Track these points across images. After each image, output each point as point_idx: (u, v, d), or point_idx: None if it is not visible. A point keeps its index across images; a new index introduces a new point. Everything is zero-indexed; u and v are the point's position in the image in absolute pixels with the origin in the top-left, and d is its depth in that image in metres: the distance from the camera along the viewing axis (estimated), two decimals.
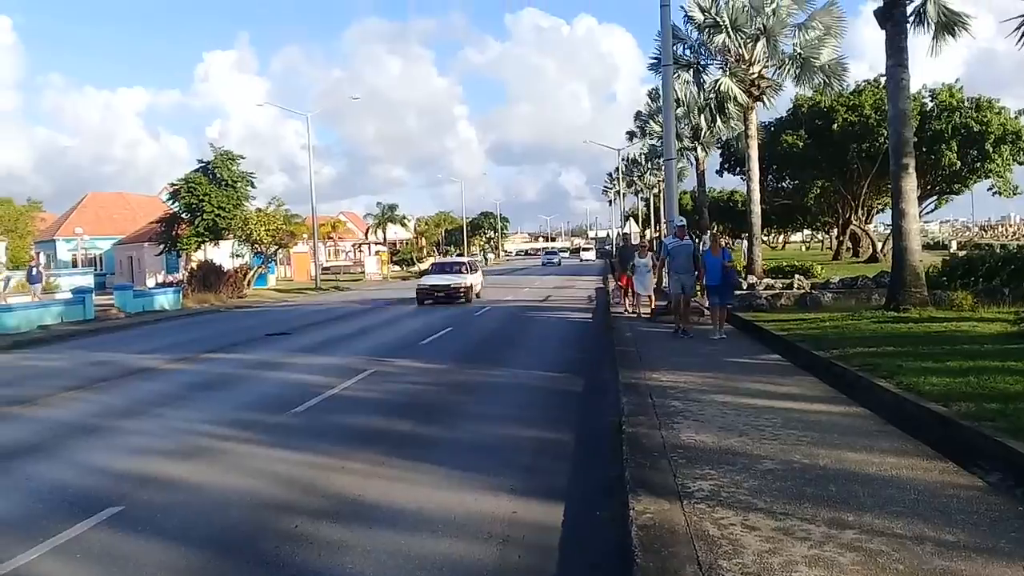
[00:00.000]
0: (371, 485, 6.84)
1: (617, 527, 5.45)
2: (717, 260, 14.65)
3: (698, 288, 16.34)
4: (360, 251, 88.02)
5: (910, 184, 16.13)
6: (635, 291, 20.03)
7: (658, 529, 5.02)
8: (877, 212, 54.47)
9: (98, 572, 5.18)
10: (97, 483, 7.23)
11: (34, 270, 33.22)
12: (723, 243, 15.80)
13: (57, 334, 22.99)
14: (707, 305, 15.67)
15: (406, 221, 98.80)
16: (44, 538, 5.73)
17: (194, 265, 40.50)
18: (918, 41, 17.27)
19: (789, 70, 24.31)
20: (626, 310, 20.82)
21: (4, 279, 30.00)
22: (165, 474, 7.40)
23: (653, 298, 19.73)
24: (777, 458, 6.54)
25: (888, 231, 46.82)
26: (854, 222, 49.99)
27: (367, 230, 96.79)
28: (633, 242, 27.35)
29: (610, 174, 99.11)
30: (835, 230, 55.85)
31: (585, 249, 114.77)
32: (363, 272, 66.37)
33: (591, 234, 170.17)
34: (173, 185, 40.84)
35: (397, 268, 74.41)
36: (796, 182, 50.95)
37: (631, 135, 66.32)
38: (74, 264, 51.95)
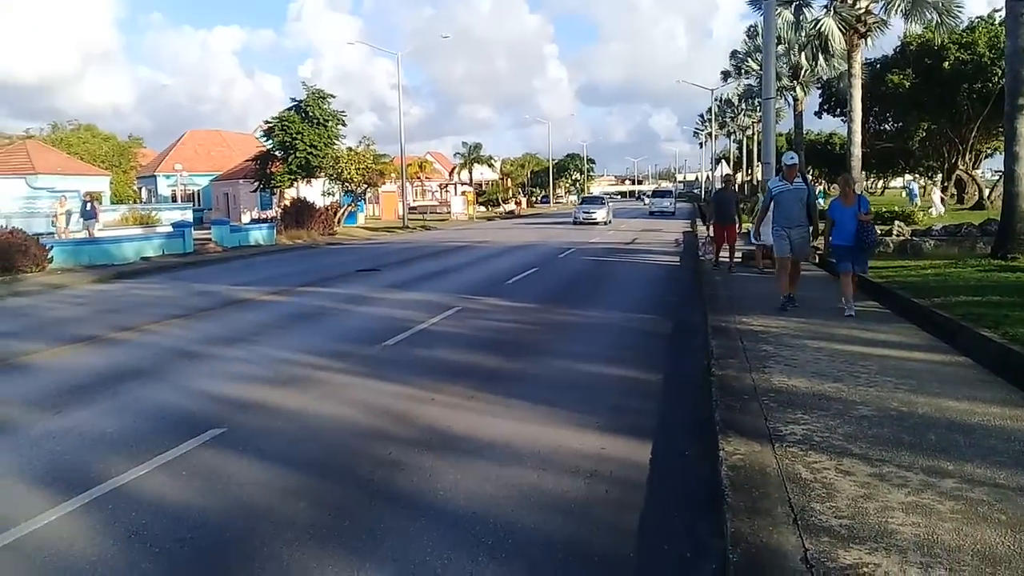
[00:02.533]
0: (460, 417, 6.98)
1: (706, 467, 5.44)
2: (850, 211, 10.67)
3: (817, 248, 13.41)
4: (446, 191, 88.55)
5: None
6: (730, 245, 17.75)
7: (748, 470, 4.98)
8: (985, 157, 51.80)
9: (203, 488, 5.45)
10: (200, 406, 7.57)
11: (88, 205, 31.33)
12: (854, 187, 11.26)
13: (158, 265, 23.98)
14: (839, 273, 11.02)
15: (492, 162, 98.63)
16: (152, 455, 6.05)
17: (287, 202, 41.44)
18: None
19: (899, 6, 23.07)
20: (722, 264, 17.83)
21: (66, 212, 30.57)
22: (264, 400, 7.70)
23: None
24: (873, 405, 6.38)
25: (996, 178, 44.52)
26: (960, 167, 47.62)
27: (452, 170, 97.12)
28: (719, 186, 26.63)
29: (702, 115, 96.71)
30: (939, 175, 53.30)
31: (660, 194, 70.56)
32: (449, 212, 66.84)
33: (679, 177, 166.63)
34: (267, 123, 41.63)
35: (483, 209, 74.63)
36: (899, 124, 48.69)
37: (726, 75, 64.28)
38: (173, 199, 53.80)
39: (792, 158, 11.45)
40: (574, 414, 6.95)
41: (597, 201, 51.66)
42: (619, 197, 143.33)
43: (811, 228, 11.50)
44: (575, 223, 45.97)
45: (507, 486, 5.32)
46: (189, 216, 40.52)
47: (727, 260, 17.83)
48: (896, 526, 4.13)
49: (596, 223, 45.22)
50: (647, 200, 70.93)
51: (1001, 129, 17.27)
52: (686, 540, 4.53)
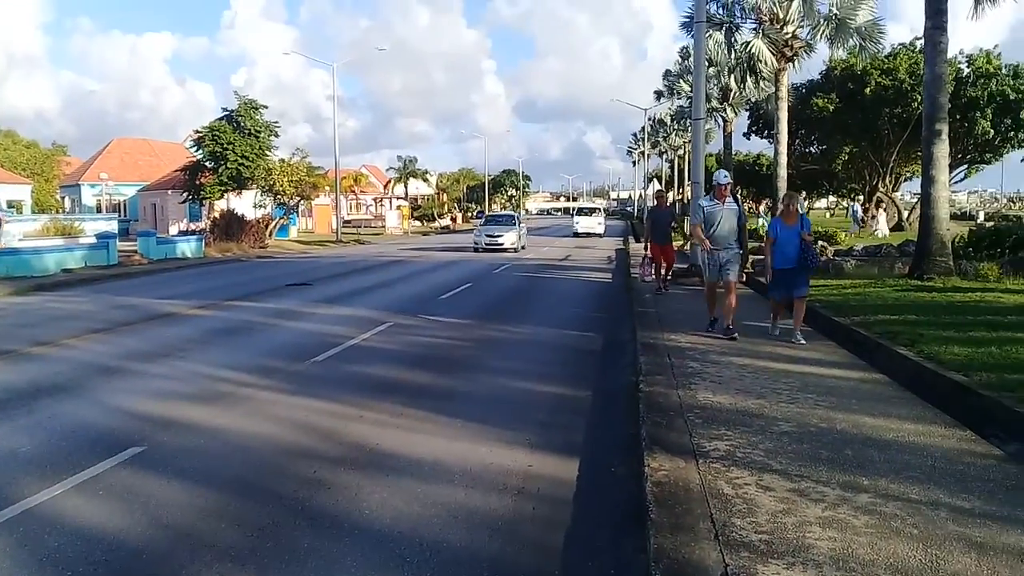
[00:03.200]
0: (388, 434, 6.92)
1: (632, 483, 5.49)
2: (792, 232, 10.10)
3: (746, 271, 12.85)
4: (381, 205, 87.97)
5: (942, 151, 15.86)
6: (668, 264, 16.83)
7: (673, 486, 5.05)
8: (905, 180, 53.69)
9: (120, 509, 5.28)
10: (120, 423, 7.35)
11: None
12: (798, 206, 10.58)
13: (80, 278, 23.25)
14: (771, 298, 10.69)
15: (427, 176, 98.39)
16: (68, 475, 5.85)
17: (217, 214, 40.72)
18: (958, 3, 16.93)
19: (824, 31, 23.80)
20: (659, 288, 16.65)
21: None
22: (186, 417, 7.51)
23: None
24: (794, 421, 6.54)
25: (915, 200, 46.24)
26: (881, 189, 49.30)
27: (388, 184, 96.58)
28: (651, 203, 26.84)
29: (635, 134, 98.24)
30: (861, 197, 55.10)
31: (585, 212, 60.34)
32: (384, 226, 66.43)
33: (613, 195, 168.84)
34: (197, 133, 40.87)
35: (418, 223, 74.39)
36: (824, 147, 50.19)
37: (659, 95, 65.39)
38: (98, 209, 52.38)
39: (724, 176, 10.91)
40: (504, 431, 6.95)
41: (505, 221, 39.89)
42: (559, 213, 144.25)
43: (742, 251, 10.99)
44: (476, 250, 34.95)
45: (434, 504, 5.29)
46: (114, 227, 39.41)
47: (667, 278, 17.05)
48: (813, 540, 4.23)
49: (503, 249, 34.67)
50: (577, 221, 55.52)
51: (919, 153, 17.99)
52: (611, 557, 4.56)
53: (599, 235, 52.76)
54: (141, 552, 4.64)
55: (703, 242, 10.81)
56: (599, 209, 60.74)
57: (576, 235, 52.45)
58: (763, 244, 10.91)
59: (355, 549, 4.63)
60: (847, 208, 62.61)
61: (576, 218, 56.87)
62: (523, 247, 36.78)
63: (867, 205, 50.23)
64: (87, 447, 6.58)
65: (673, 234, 17.82)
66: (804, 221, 10.36)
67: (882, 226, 38.74)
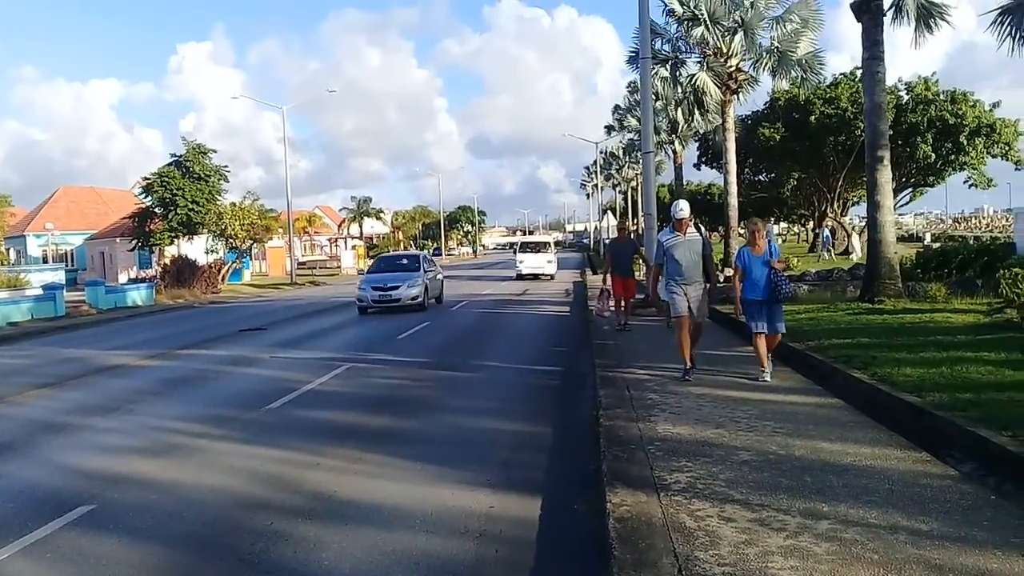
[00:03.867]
0: (346, 481, 6.79)
1: (595, 520, 5.43)
2: (760, 260, 9.43)
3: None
4: (336, 245, 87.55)
5: (885, 176, 16.25)
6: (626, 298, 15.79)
7: (635, 521, 5.01)
8: (852, 205, 54.90)
9: (70, 572, 5.10)
10: (68, 482, 7.12)
11: None
12: (764, 233, 9.95)
13: (26, 331, 22.70)
14: (751, 333, 9.59)
15: (382, 214, 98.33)
16: (14, 538, 5.64)
17: (167, 260, 40.14)
18: (899, 33, 17.42)
19: (766, 63, 24.41)
20: (621, 324, 15.59)
21: None
22: (138, 472, 7.31)
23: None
24: (753, 449, 6.55)
25: (863, 224, 47.29)
26: (829, 215, 50.36)
27: (342, 223, 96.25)
28: (612, 235, 26.66)
29: (588, 167, 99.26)
30: (811, 223, 56.22)
31: (531, 248, 44.38)
32: (339, 266, 66.02)
33: (569, 227, 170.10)
34: (146, 179, 40.47)
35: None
36: (773, 175, 51.26)
37: (609, 129, 66.31)
38: (45, 259, 51.34)
39: (681, 210, 10.10)
40: (464, 472, 6.86)
41: (405, 265, 25.78)
42: (511, 249, 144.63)
43: (708, 284, 10.11)
44: (359, 311, 23.51)
45: (395, 552, 5.18)
46: (61, 277, 38.63)
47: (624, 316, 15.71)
48: (776, 570, 4.22)
49: (400, 306, 22.92)
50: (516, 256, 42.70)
51: (864, 179, 18.39)
52: None
53: (549, 276, 39.71)
54: None
55: (654, 283, 10.72)
56: (548, 244, 43.93)
57: (521, 277, 39.45)
58: (731, 277, 10.30)
59: None
60: (798, 233, 63.78)
61: (519, 256, 41.68)
62: (434, 299, 25.35)
63: (817, 230, 51.19)
64: (34, 508, 6.36)
65: (632, 269, 16.75)
66: (772, 248, 9.62)
67: (856, 249, 39.52)
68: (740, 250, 9.84)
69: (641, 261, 17.42)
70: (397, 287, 22.96)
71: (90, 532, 5.79)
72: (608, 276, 16.21)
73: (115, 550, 5.42)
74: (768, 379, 9.40)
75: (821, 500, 5.27)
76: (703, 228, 12.87)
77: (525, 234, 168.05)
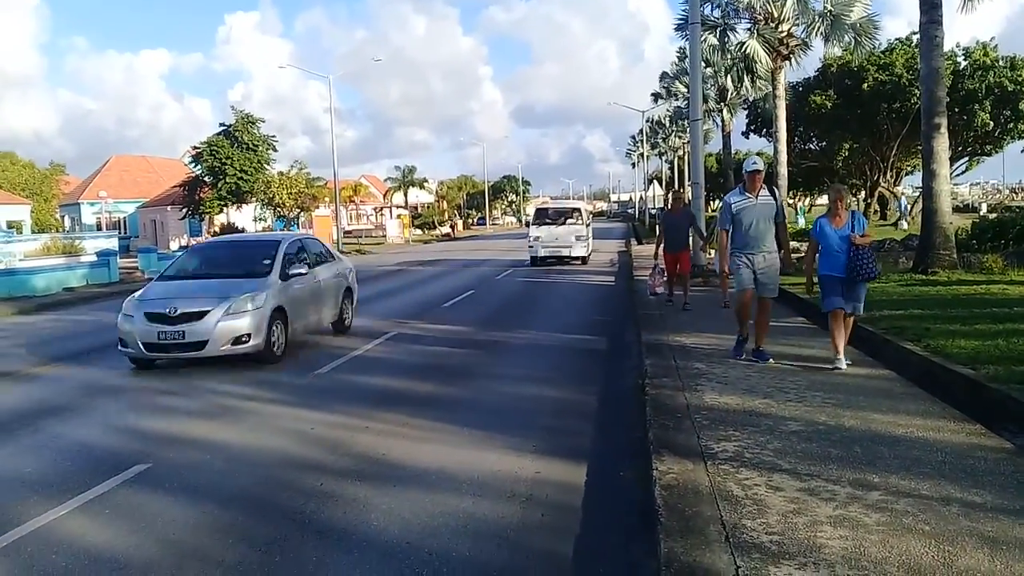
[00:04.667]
0: (394, 445, 6.88)
1: (640, 487, 5.44)
2: (842, 234, 8.03)
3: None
4: (381, 214, 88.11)
5: (942, 144, 15.83)
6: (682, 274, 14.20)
7: (681, 489, 5.01)
8: (906, 174, 53.62)
9: (127, 527, 5.25)
10: (125, 442, 7.34)
11: None
12: (847, 203, 8.47)
13: (82, 296, 23.25)
14: (826, 311, 8.34)
15: (427, 184, 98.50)
16: (73, 494, 5.83)
17: (216, 228, 40.78)
18: None
19: (819, 28, 23.81)
20: (670, 301, 14.36)
21: None
22: (192, 433, 7.50)
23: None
24: (802, 420, 6.49)
25: (917, 194, 46.23)
26: (882, 184, 49.26)
27: (387, 193, 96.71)
28: (657, 205, 25.79)
29: (634, 136, 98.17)
30: (863, 192, 55.05)
31: (549, 218, 28.35)
32: (384, 235, 66.46)
33: (614, 197, 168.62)
34: (195, 148, 41.03)
35: (419, 231, 74.42)
36: (824, 143, 50.18)
37: (656, 96, 65.33)
38: (98, 227, 52.50)
39: (755, 163, 9.06)
40: (510, 438, 6.91)
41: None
42: None
43: (781, 253, 8.94)
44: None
45: (442, 514, 5.25)
46: (114, 244, 39.46)
47: (680, 293, 14.24)
48: (824, 540, 4.19)
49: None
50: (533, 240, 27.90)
51: (919, 147, 17.97)
52: (621, 563, 4.52)
53: (579, 260, 27.54)
54: (149, 570, 4.61)
55: (724, 258, 8.96)
56: (577, 210, 29.66)
57: (535, 261, 27.55)
58: (804, 250, 9.02)
59: (364, 562, 4.59)
60: (850, 203, 62.34)
61: (533, 231, 28.12)
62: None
63: (869, 200, 50.06)
64: (92, 466, 6.56)
65: (689, 242, 14.96)
66: (857, 220, 8.19)
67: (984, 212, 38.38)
68: (817, 221, 8.49)
69: (697, 235, 15.74)
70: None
71: (146, 490, 5.96)
72: (660, 250, 14.66)
73: (170, 507, 5.58)
74: (843, 367, 8.18)
75: (871, 471, 5.20)
76: (778, 191, 11.06)
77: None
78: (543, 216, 28.56)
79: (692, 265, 15.42)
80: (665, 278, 14.81)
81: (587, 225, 28.32)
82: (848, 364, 8.28)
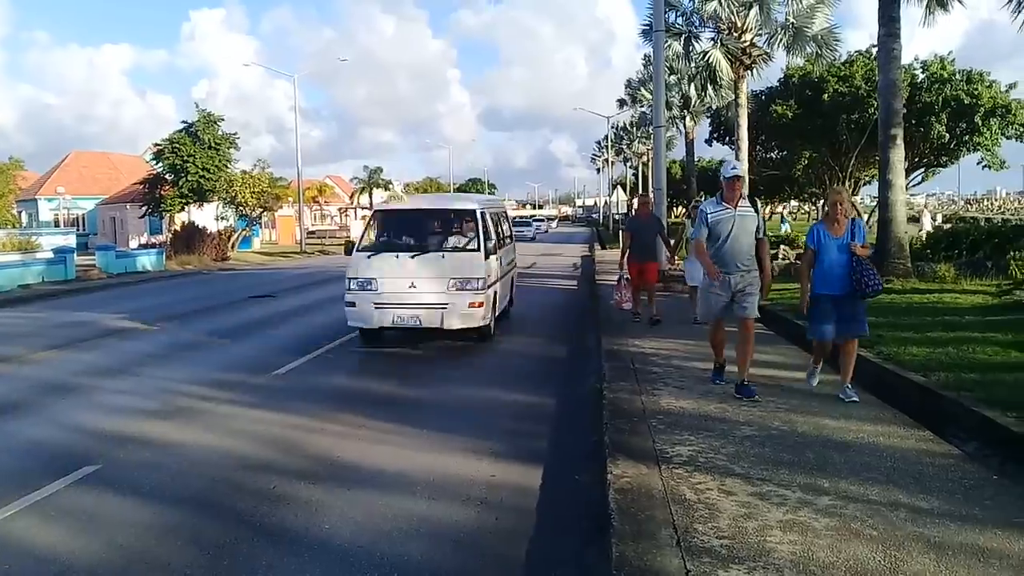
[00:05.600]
0: (350, 446, 6.84)
1: (595, 491, 5.45)
2: (840, 243, 7.24)
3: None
4: (346, 215, 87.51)
5: (898, 155, 16.13)
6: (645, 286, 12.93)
7: (635, 493, 5.03)
8: (864, 184, 54.43)
9: (73, 530, 5.15)
10: (75, 442, 7.19)
11: None
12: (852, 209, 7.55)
13: (38, 293, 22.79)
14: (812, 337, 7.65)
15: (392, 185, 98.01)
16: (19, 495, 5.69)
17: (177, 227, 40.21)
18: (915, 11, 17.12)
19: (781, 39, 24.10)
20: (637, 314, 12.94)
21: None
22: (143, 433, 7.37)
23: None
24: (755, 424, 6.56)
25: (874, 203, 47.05)
26: None
27: (353, 194, 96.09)
28: (621, 210, 24.54)
29: (599, 142, 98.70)
30: (822, 201, 55.86)
31: (421, 233, 12.89)
32: (349, 236, 66.04)
33: (579, 202, 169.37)
34: (157, 145, 40.36)
35: None
36: (784, 152, 50.77)
37: (621, 103, 65.88)
38: (56, 224, 51.47)
39: (734, 168, 8.00)
40: (467, 440, 6.90)
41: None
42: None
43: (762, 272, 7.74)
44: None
45: (396, 517, 5.22)
46: (72, 241, 38.67)
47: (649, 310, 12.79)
48: (774, 544, 4.23)
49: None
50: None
51: (877, 158, 18.26)
52: (574, 567, 4.53)
53: (472, 330, 12.05)
54: (93, 573, 4.52)
55: (709, 268, 7.54)
56: (472, 216, 12.56)
57: (366, 336, 12.28)
58: (799, 261, 8.03)
59: (315, 565, 4.55)
60: (808, 212, 63.47)
61: (361, 265, 11.78)
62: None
63: (827, 209, 50.68)
64: (40, 467, 6.42)
65: (656, 252, 13.19)
66: (857, 229, 7.33)
67: (926, 224, 38.27)
68: (813, 228, 7.71)
69: (665, 244, 13.50)
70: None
71: (94, 491, 5.85)
72: (625, 259, 13.06)
73: (118, 509, 5.49)
74: (855, 398, 7.30)
75: (822, 476, 5.27)
76: (759, 203, 9.72)
77: (535, 207, 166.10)
78: (392, 227, 13.28)
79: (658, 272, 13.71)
80: (630, 291, 13.07)
81: (498, 246, 13.48)
82: (856, 400, 7.29)
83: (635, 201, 12.79)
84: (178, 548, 4.82)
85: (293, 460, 6.52)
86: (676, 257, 14.16)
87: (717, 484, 5.16)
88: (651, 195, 18.03)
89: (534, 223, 73.73)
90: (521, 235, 56.39)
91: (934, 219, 54.04)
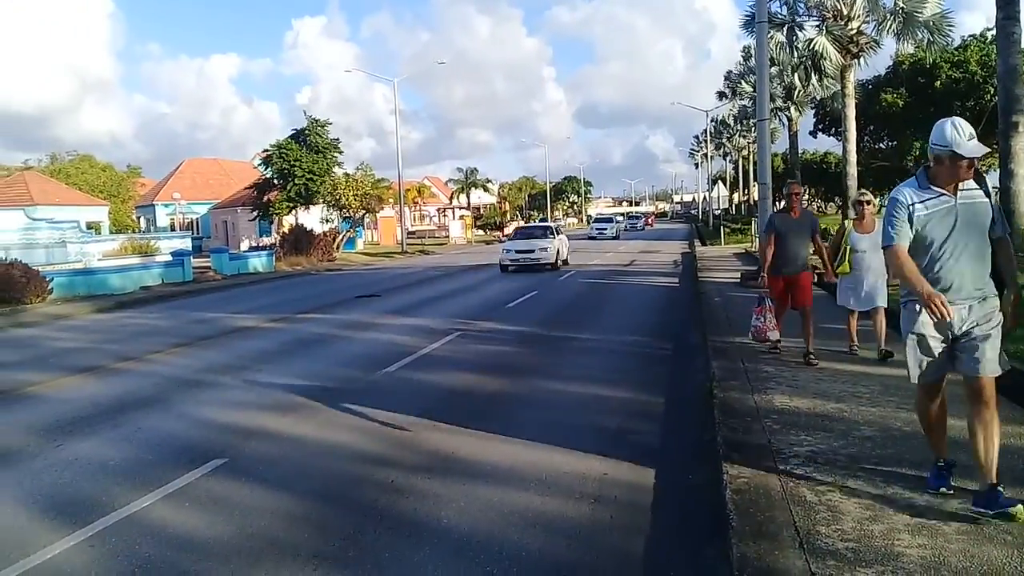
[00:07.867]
0: (463, 442, 6.96)
1: (710, 490, 5.41)
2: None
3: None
4: (445, 215, 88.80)
5: (1020, 144, 15.33)
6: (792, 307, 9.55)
7: (753, 493, 4.97)
8: (984, 172, 51.94)
9: (207, 518, 5.43)
10: (202, 435, 7.57)
11: None
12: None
13: (158, 294, 24.01)
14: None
15: (489, 185, 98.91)
16: (155, 486, 6.04)
17: (286, 229, 41.60)
18: None
19: (890, 26, 23.24)
20: (773, 345, 9.61)
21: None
22: (266, 428, 7.69)
23: (882, 326, 9.08)
24: (876, 425, 6.37)
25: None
26: None
27: (452, 195, 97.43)
28: (722, 205, 23.95)
29: (698, 136, 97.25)
30: None
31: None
32: (447, 236, 66.98)
33: (676, 197, 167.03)
34: (265, 151, 41.93)
35: (481, 232, 74.84)
36: (894, 143, 48.89)
37: (721, 96, 64.70)
38: (172, 228, 53.98)
39: (963, 135, 5.09)
40: (577, 438, 6.92)
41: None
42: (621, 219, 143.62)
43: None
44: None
45: (511, 512, 5.31)
46: (188, 244, 40.56)
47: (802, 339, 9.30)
48: (902, 548, 4.12)
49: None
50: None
51: (995, 146, 17.38)
52: (692, 566, 4.51)
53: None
54: (228, 560, 4.76)
55: (925, 292, 4.50)
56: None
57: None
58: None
59: (435, 557, 4.67)
60: None
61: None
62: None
63: None
64: (172, 459, 6.78)
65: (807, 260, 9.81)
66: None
67: None
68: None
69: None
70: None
71: (224, 482, 6.15)
72: (765, 271, 9.48)
73: (248, 500, 5.75)
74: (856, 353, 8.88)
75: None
76: (987, 180, 8.57)
77: (632, 204, 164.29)
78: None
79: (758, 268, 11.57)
80: (766, 310, 9.36)
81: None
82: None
83: (790, 190, 9.56)
84: (305, 537, 5.03)
85: (408, 455, 6.69)
86: (835, 269, 9.36)
87: (839, 485, 5.04)
88: (755, 190, 17.03)
89: (614, 221, 67.48)
90: (602, 232, 57.48)
91: None
